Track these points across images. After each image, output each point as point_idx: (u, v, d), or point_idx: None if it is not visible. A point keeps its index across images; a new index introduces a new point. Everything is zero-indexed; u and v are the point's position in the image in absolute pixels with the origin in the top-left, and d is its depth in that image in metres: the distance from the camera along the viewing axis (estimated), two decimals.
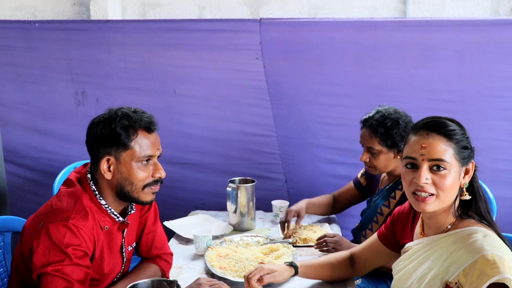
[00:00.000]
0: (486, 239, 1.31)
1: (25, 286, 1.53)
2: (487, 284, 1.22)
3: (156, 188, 1.59)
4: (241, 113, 3.06)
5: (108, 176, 1.51)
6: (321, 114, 3.00)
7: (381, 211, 2.25)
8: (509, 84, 2.85)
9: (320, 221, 2.56)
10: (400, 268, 1.53)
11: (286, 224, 2.32)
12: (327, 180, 3.06)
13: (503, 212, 2.86)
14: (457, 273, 1.29)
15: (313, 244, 2.16)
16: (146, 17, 3.56)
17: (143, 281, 1.31)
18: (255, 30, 2.88)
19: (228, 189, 2.40)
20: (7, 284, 1.63)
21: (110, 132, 1.49)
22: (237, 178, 2.49)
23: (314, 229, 2.35)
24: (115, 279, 1.68)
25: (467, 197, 1.39)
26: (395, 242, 1.68)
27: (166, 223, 2.38)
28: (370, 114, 2.21)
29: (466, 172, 1.40)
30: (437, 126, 1.38)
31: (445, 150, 1.35)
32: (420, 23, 2.87)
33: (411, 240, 1.56)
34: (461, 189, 1.40)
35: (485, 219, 1.39)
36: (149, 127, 1.54)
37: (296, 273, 1.74)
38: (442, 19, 2.90)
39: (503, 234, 1.41)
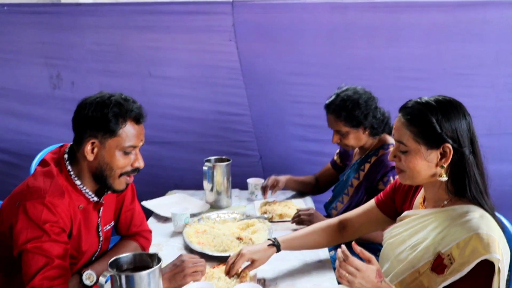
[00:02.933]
0: (483, 219, 1.38)
1: (4, 264, 1.58)
2: (477, 260, 1.31)
3: (131, 178, 1.64)
4: (215, 93, 3.12)
5: (90, 157, 1.55)
6: (293, 93, 3.09)
7: (351, 183, 2.35)
8: (474, 62, 2.98)
9: (294, 197, 2.66)
10: (395, 234, 1.60)
11: (265, 189, 2.53)
12: (300, 156, 3.17)
13: None
14: (451, 245, 1.38)
15: (288, 219, 2.25)
16: (118, 1, 3.55)
17: (125, 255, 1.35)
18: (228, 12, 2.93)
19: (204, 168, 2.46)
20: None
21: (101, 117, 1.52)
22: (212, 158, 2.55)
23: (289, 205, 2.44)
24: (93, 258, 1.73)
25: (443, 178, 1.45)
26: (393, 209, 1.74)
27: (144, 203, 2.43)
28: (331, 99, 2.28)
29: (443, 155, 1.44)
30: (404, 110, 1.49)
31: (405, 133, 1.47)
32: (389, 4, 2.96)
33: (410, 209, 1.64)
34: (438, 170, 1.46)
35: (477, 200, 1.43)
36: (138, 119, 1.59)
37: (278, 251, 1.78)
38: (411, 1, 2.98)
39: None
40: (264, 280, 1.71)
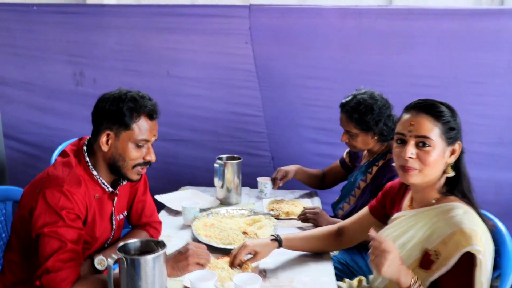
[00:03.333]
0: (466, 215, 1.44)
1: (23, 247, 1.68)
2: (460, 253, 1.37)
3: (144, 170, 1.74)
4: (231, 94, 3.22)
5: (105, 148, 1.65)
6: (307, 96, 3.16)
7: (358, 185, 2.41)
8: (486, 71, 3.00)
9: (302, 197, 2.73)
10: (385, 235, 1.65)
11: (275, 181, 2.61)
12: (312, 159, 3.23)
13: (476, 191, 3.03)
14: (437, 242, 1.44)
15: (294, 217, 2.33)
16: (141, 2, 3.69)
17: (133, 241, 1.45)
18: (245, 15, 3.03)
19: (216, 165, 2.54)
20: (6, 247, 1.78)
21: (117, 110, 1.63)
22: (224, 156, 2.63)
23: (296, 204, 2.51)
24: (105, 244, 1.84)
25: (451, 174, 1.51)
26: (384, 214, 1.80)
27: (157, 196, 2.51)
28: (348, 99, 2.35)
29: (453, 152, 1.51)
30: (427, 107, 1.51)
31: (431, 129, 1.47)
32: (402, 11, 3.02)
33: (399, 211, 1.68)
34: (446, 167, 1.52)
35: (467, 197, 1.51)
36: (151, 114, 1.68)
37: (280, 246, 1.85)
38: (424, 8, 3.05)
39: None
40: (265, 271, 1.79)
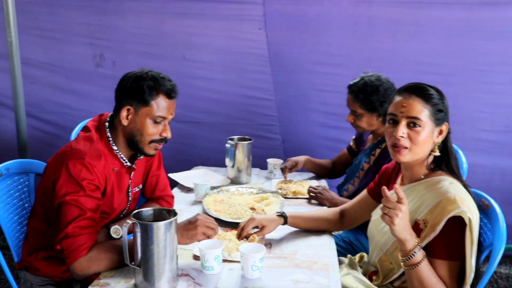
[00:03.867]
0: (452, 185, 1.56)
1: (47, 215, 1.82)
2: (447, 217, 1.47)
3: (160, 145, 1.85)
4: (243, 78, 3.33)
5: (124, 122, 1.77)
6: (317, 81, 3.26)
7: (362, 167, 2.51)
8: (493, 59, 3.07)
9: (310, 178, 2.82)
10: (378, 212, 1.76)
11: (285, 169, 2.68)
12: (321, 142, 3.35)
13: (479, 177, 3.12)
14: (425, 212, 1.55)
15: (301, 197, 2.44)
16: None
17: (147, 209, 1.57)
18: (259, 2, 3.13)
19: (227, 145, 2.65)
20: (30, 214, 1.92)
21: (137, 88, 1.75)
22: (235, 137, 2.73)
23: (303, 184, 2.60)
24: (121, 215, 1.97)
25: (437, 153, 1.63)
26: (380, 195, 1.91)
27: (170, 175, 2.60)
28: (355, 80, 2.44)
29: (440, 133, 1.62)
30: (418, 90, 1.61)
31: (422, 111, 1.57)
32: (412, 0, 3.07)
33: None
34: (434, 146, 1.63)
35: (454, 172, 1.63)
36: (169, 94, 1.79)
37: (285, 223, 1.95)
38: None
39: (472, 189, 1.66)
40: (271, 244, 1.89)
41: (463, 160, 2.73)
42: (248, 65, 3.30)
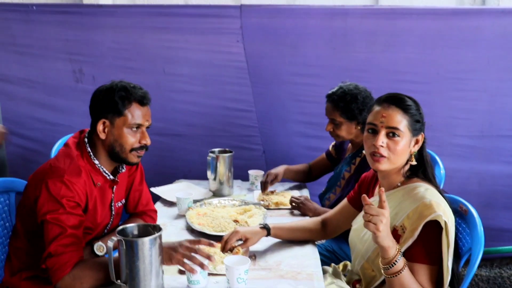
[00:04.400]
0: (428, 191, 1.61)
1: (29, 234, 1.81)
2: (424, 222, 1.52)
3: (142, 152, 1.87)
4: (223, 90, 3.36)
5: (102, 136, 1.79)
6: (296, 92, 3.31)
7: (343, 176, 2.55)
8: (467, 67, 3.17)
9: (291, 188, 2.86)
10: (358, 220, 1.80)
11: (265, 184, 2.66)
12: (301, 152, 3.38)
13: (457, 182, 3.19)
14: (403, 218, 1.60)
15: (283, 207, 2.47)
16: (136, 3, 3.79)
17: (131, 225, 1.58)
18: (236, 15, 3.16)
19: (208, 158, 2.67)
20: (11, 233, 1.91)
21: (109, 100, 1.77)
22: (216, 149, 2.75)
23: (285, 195, 2.64)
24: (105, 230, 1.97)
25: (414, 162, 1.68)
26: (361, 203, 1.94)
27: (152, 189, 2.60)
28: (334, 90, 2.49)
29: (416, 142, 1.68)
30: (397, 100, 1.66)
31: (400, 121, 1.62)
32: (387, 11, 3.18)
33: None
34: (410, 155, 1.68)
35: (430, 180, 1.68)
36: (142, 101, 1.82)
37: (268, 234, 1.96)
38: (407, 7, 3.20)
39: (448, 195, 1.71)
40: (255, 255, 1.91)
41: (441, 166, 2.80)
42: (228, 78, 3.32)
